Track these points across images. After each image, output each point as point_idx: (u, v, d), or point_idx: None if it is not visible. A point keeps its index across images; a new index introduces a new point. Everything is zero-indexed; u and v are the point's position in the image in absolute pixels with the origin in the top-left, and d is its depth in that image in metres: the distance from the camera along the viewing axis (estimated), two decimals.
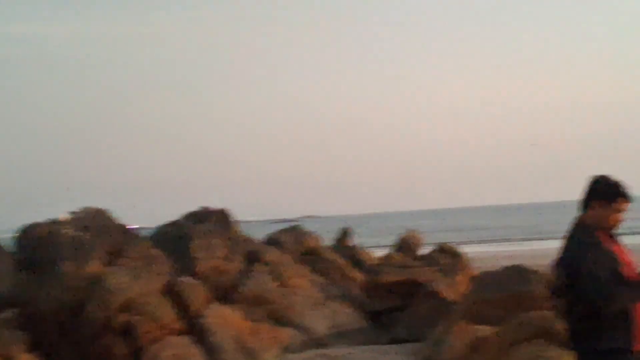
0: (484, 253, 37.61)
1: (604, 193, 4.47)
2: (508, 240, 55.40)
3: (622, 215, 4.54)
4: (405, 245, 23.76)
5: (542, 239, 52.78)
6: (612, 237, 4.62)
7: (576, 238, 4.49)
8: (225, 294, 12.78)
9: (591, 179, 4.55)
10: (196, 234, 13.72)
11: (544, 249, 35.17)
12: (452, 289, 12.88)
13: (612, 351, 4.34)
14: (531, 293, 9.72)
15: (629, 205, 4.54)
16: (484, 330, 8.20)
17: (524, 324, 7.15)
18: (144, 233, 15.74)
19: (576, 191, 4.63)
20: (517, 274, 10.31)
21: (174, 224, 14.91)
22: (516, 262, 13.62)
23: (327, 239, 20.37)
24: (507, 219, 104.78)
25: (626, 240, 4.93)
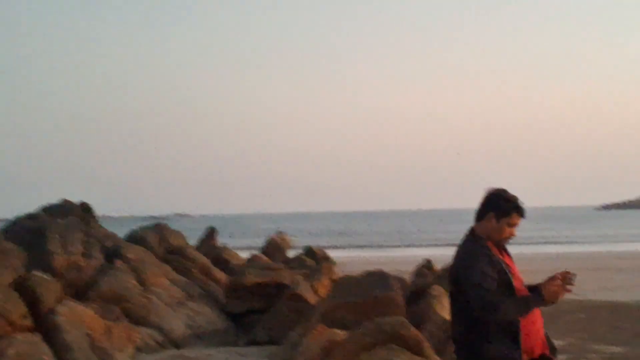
0: (353, 258, 38.06)
1: (499, 206, 4.52)
2: (381, 246, 56.33)
3: (515, 230, 4.61)
4: (273, 247, 23.73)
5: (415, 246, 54.01)
6: (503, 250, 4.68)
7: (466, 247, 4.54)
8: (81, 291, 12.29)
9: (488, 191, 4.61)
10: (54, 227, 13.15)
11: (412, 255, 35.91)
12: (315, 292, 12.84)
13: None
14: (390, 298, 9.78)
15: (521, 221, 4.60)
16: (340, 334, 8.15)
17: (377, 328, 7.13)
18: None
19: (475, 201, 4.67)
20: (378, 279, 10.35)
21: (30, 217, 14.26)
22: (382, 267, 13.77)
23: (196, 238, 20.06)
24: (384, 224, 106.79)
25: (516, 250, 4.99)
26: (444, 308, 9.69)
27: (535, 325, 4.49)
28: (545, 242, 55.06)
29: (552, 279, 4.34)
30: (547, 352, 4.54)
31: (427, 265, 21.72)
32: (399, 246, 55.21)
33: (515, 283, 4.45)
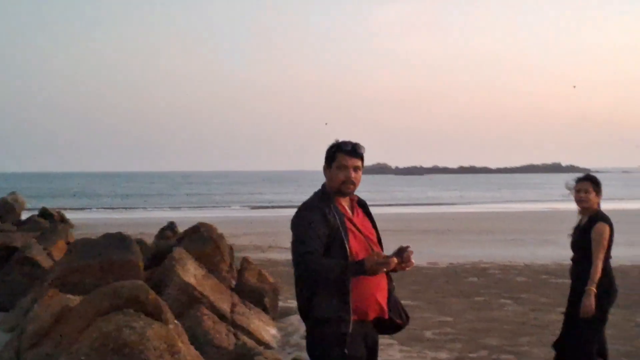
0: (95, 220, 36.74)
1: (327, 154, 4.42)
2: (125, 208, 54.91)
3: (350, 172, 4.35)
4: (5, 209, 22.25)
5: (159, 209, 53.21)
6: (361, 207, 4.50)
7: (304, 202, 4.39)
8: None
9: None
10: None
11: (156, 218, 35.32)
12: (50, 256, 12.07)
13: (327, 320, 4.22)
14: (128, 261, 9.36)
15: (356, 161, 4.37)
16: (74, 299, 7.65)
17: (114, 292, 6.74)
18: None
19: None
20: (116, 241, 9.87)
21: None
22: (125, 230, 13.26)
23: None
24: (129, 187, 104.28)
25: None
26: (186, 271, 9.47)
27: (371, 288, 4.33)
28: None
29: (376, 254, 4.12)
30: (386, 316, 4.44)
31: (171, 227, 21.46)
32: (144, 208, 54.24)
33: (352, 243, 4.27)
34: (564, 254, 18.75)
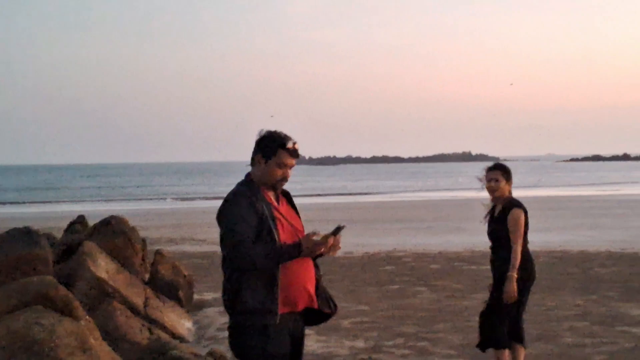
0: (10, 214, 35.62)
1: (266, 147, 4.30)
2: (32, 202, 53.42)
3: (288, 171, 4.33)
4: None
5: (69, 202, 51.94)
6: (284, 197, 4.43)
7: (231, 192, 4.29)
8: None
9: (258, 135, 4.37)
10: None
11: (65, 211, 34.44)
12: None
13: (252, 312, 4.16)
14: (36, 256, 9.04)
15: (294, 161, 4.35)
16: None
17: (22, 289, 6.49)
18: None
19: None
20: (22, 235, 9.51)
21: None
22: (31, 224, 12.82)
23: None
24: (31, 179, 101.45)
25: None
26: (97, 265, 9.22)
27: (300, 277, 4.25)
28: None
29: (312, 234, 4.13)
30: (316, 305, 4.35)
31: (80, 221, 20.91)
32: (50, 202, 52.87)
33: (280, 231, 4.21)
34: (476, 240, 19.19)
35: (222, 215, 4.23)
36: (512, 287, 6.44)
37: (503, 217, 6.56)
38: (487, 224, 6.78)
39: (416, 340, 8.79)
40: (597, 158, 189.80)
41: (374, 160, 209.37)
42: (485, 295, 11.33)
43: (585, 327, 9.32)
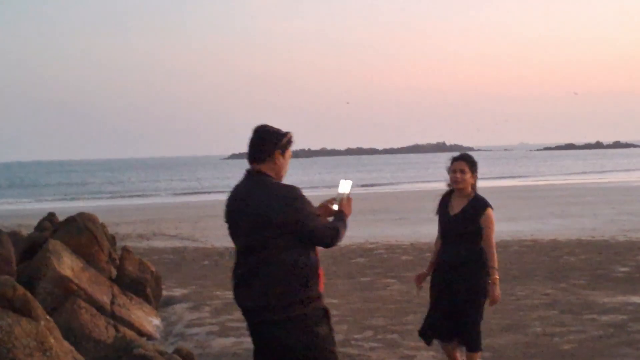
0: None
1: (281, 143, 4.39)
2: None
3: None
4: None
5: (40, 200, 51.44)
6: None
7: (277, 186, 4.32)
8: None
9: (263, 130, 4.40)
10: None
11: (37, 209, 34.09)
12: None
13: (319, 298, 4.33)
14: None
15: None
16: None
17: None
18: None
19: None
20: None
21: None
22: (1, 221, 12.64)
23: None
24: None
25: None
26: (62, 263, 9.07)
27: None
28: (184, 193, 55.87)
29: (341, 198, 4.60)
30: None
31: (50, 218, 20.66)
32: (24, 200, 52.34)
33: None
34: None
35: (303, 202, 4.27)
36: (498, 291, 6.25)
37: (473, 214, 6.28)
38: (442, 216, 6.48)
39: (385, 333, 8.74)
40: (570, 147, 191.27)
41: (349, 152, 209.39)
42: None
43: (554, 315, 9.32)
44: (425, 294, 11.23)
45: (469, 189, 6.38)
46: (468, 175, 6.35)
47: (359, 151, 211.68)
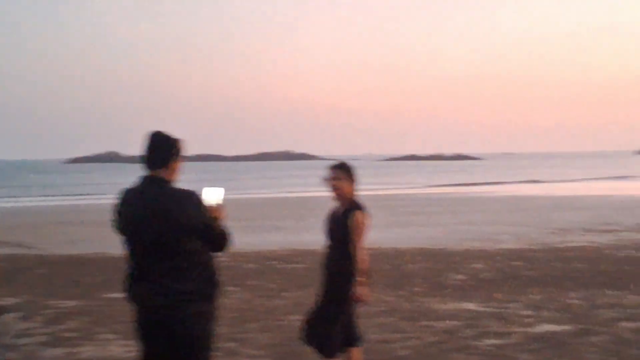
0: None
1: (178, 148, 4.51)
2: None
3: None
4: None
5: None
6: None
7: (177, 190, 4.43)
8: None
9: (164, 137, 4.50)
10: None
11: None
12: None
13: (217, 297, 4.66)
14: None
15: None
16: None
17: None
18: None
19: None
20: None
21: None
22: None
23: None
24: None
25: None
26: None
27: None
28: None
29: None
30: None
31: None
32: None
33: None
34: (293, 239, 19.26)
35: (203, 206, 4.43)
36: (363, 290, 6.26)
37: (344, 218, 6.34)
38: (326, 223, 6.57)
39: (225, 341, 8.59)
40: (413, 158, 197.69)
41: (197, 158, 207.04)
42: (297, 294, 11.47)
43: (393, 322, 9.49)
44: (266, 302, 11.27)
45: (347, 195, 6.43)
46: (345, 183, 6.41)
47: (206, 157, 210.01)
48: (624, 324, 9.21)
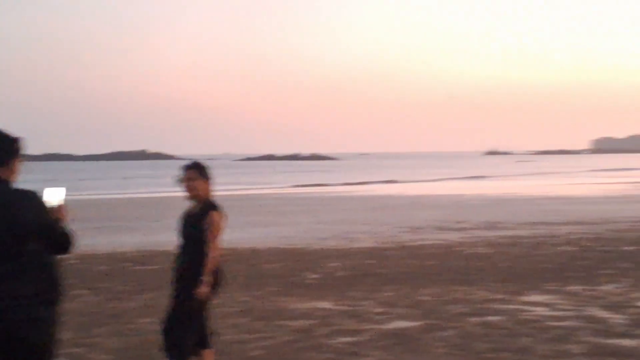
0: None
1: (19, 149, 4.34)
2: None
3: None
4: None
5: None
6: None
7: (20, 191, 4.27)
8: None
9: (6, 137, 4.31)
10: None
11: None
12: None
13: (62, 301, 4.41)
14: None
15: None
16: None
17: None
18: None
19: None
20: None
21: None
22: None
23: None
24: None
25: None
26: None
27: None
28: None
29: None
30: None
31: None
32: None
33: None
34: (146, 240, 18.84)
35: (46, 207, 4.29)
36: (206, 289, 6.18)
37: (199, 218, 6.27)
38: (180, 223, 6.47)
39: (72, 346, 8.27)
40: (270, 157, 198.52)
41: (44, 158, 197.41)
42: (149, 296, 11.19)
43: (247, 322, 9.42)
44: (116, 305, 10.93)
45: (202, 195, 6.36)
46: (200, 183, 6.35)
47: (55, 157, 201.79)
48: (471, 318, 9.51)
